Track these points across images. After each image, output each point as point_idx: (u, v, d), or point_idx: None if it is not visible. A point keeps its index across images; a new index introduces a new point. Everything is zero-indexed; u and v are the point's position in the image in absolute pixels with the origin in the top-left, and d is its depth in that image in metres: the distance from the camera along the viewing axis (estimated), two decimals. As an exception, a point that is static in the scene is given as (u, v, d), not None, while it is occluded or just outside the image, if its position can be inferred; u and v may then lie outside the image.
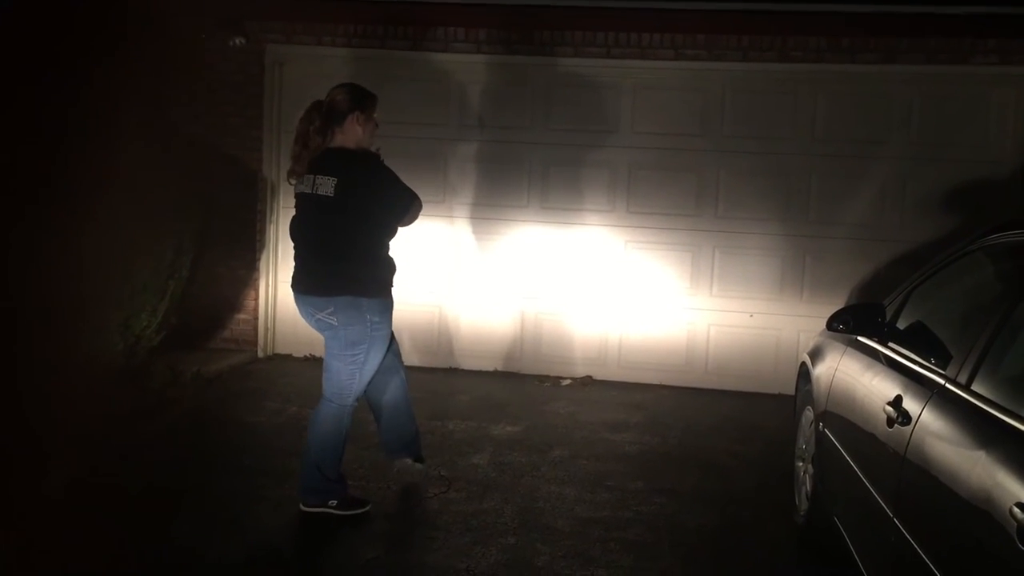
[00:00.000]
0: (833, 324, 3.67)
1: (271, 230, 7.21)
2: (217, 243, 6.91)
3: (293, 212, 4.15)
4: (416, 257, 7.12)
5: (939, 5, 6.08)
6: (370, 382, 4.16)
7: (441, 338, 7.16)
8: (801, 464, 4.27)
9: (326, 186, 3.93)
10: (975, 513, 2.07)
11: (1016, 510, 1.85)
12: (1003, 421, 2.17)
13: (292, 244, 4.15)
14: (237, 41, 6.88)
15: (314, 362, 7.15)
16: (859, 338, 3.62)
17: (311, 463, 4.04)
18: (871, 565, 2.90)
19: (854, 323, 3.59)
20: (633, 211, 6.80)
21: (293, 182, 4.09)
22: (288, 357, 7.27)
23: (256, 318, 7.24)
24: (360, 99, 4.12)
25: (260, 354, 7.22)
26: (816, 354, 4.28)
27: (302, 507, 4.05)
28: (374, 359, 4.07)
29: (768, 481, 4.77)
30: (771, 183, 6.71)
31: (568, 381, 6.86)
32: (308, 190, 3.98)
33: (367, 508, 4.07)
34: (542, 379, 6.87)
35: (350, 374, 4.01)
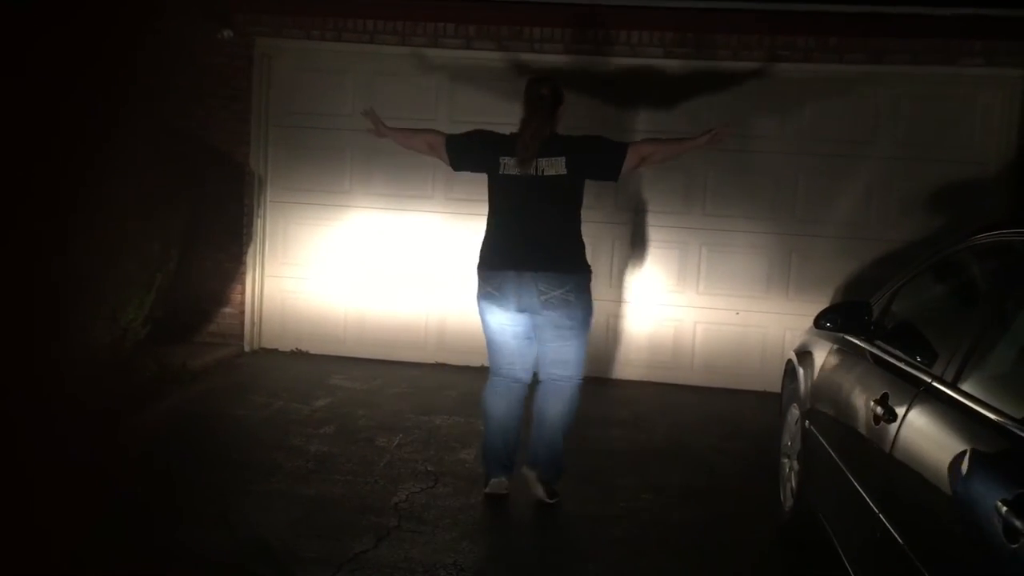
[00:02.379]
0: (820, 322, 3.69)
1: (258, 224, 7.19)
2: (204, 237, 6.89)
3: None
4: (406, 251, 7.13)
5: (927, 6, 6.12)
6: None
7: (428, 333, 7.16)
8: (787, 461, 4.29)
9: (556, 166, 4.09)
10: (960, 510, 2.09)
11: (1001, 506, 1.87)
12: (988, 418, 2.19)
13: (497, 223, 4.22)
14: (225, 34, 6.85)
15: (300, 357, 7.15)
16: (846, 336, 3.64)
17: (554, 449, 4.24)
18: (856, 561, 2.92)
19: (841, 321, 3.61)
20: (621, 208, 6.81)
21: (513, 171, 4.14)
22: (274, 352, 7.25)
23: (243, 312, 7.21)
24: (562, 91, 4.26)
25: (246, 348, 7.20)
26: (802, 352, 4.31)
27: (548, 498, 4.22)
28: None
29: (754, 477, 4.79)
30: (758, 182, 6.74)
31: (555, 377, 6.85)
32: (532, 173, 4.10)
33: None
34: (529, 375, 6.87)
35: (585, 346, 4.23)
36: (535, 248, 4.10)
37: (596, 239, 6.80)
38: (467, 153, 4.31)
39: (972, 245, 3.09)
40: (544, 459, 4.26)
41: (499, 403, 4.31)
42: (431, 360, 7.12)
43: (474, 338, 7.06)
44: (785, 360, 4.78)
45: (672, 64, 6.69)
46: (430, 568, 3.52)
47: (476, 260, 4.26)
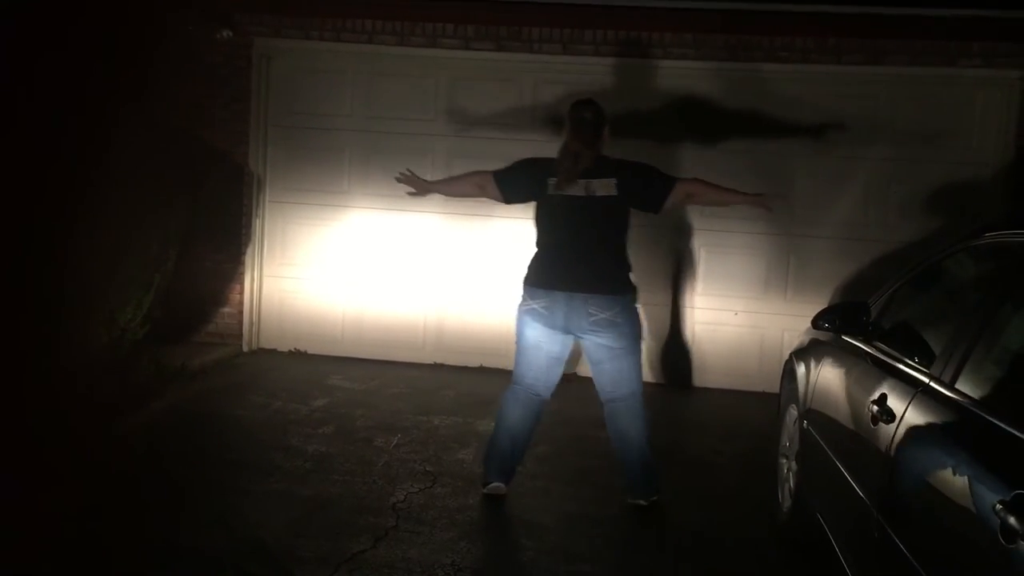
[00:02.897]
0: (819, 323, 3.70)
1: (256, 224, 7.19)
2: (202, 237, 6.89)
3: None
4: (404, 251, 7.13)
5: (925, 7, 6.12)
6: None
7: (427, 333, 7.16)
8: (785, 461, 4.30)
9: (607, 187, 4.13)
10: (958, 511, 2.09)
11: (999, 507, 1.87)
12: (986, 419, 2.19)
13: (547, 242, 4.25)
14: (224, 34, 6.85)
15: (299, 357, 7.15)
16: (844, 337, 3.64)
17: (645, 460, 4.26)
18: (854, 562, 2.92)
19: (839, 322, 3.61)
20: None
21: (561, 191, 4.16)
22: (273, 352, 7.25)
23: (241, 312, 7.21)
24: (605, 114, 4.32)
25: (245, 348, 7.20)
26: (801, 352, 4.31)
27: (641, 501, 4.26)
28: None
29: (752, 478, 4.79)
30: (756, 182, 6.71)
31: (553, 378, 6.85)
32: (580, 193, 4.12)
33: None
34: (527, 375, 6.87)
35: (639, 362, 4.28)
36: (586, 269, 4.13)
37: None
38: (516, 184, 4.32)
39: (970, 246, 3.09)
40: (643, 478, 4.28)
41: (516, 409, 4.32)
42: (429, 360, 7.12)
43: (472, 338, 7.09)
44: (783, 361, 4.78)
45: (670, 64, 6.69)
46: (428, 568, 3.52)
47: (524, 274, 4.28)
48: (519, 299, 4.27)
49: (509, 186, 4.32)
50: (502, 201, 4.41)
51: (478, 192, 4.41)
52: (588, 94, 6.76)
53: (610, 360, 4.20)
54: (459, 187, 4.59)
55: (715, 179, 4.23)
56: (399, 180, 4.48)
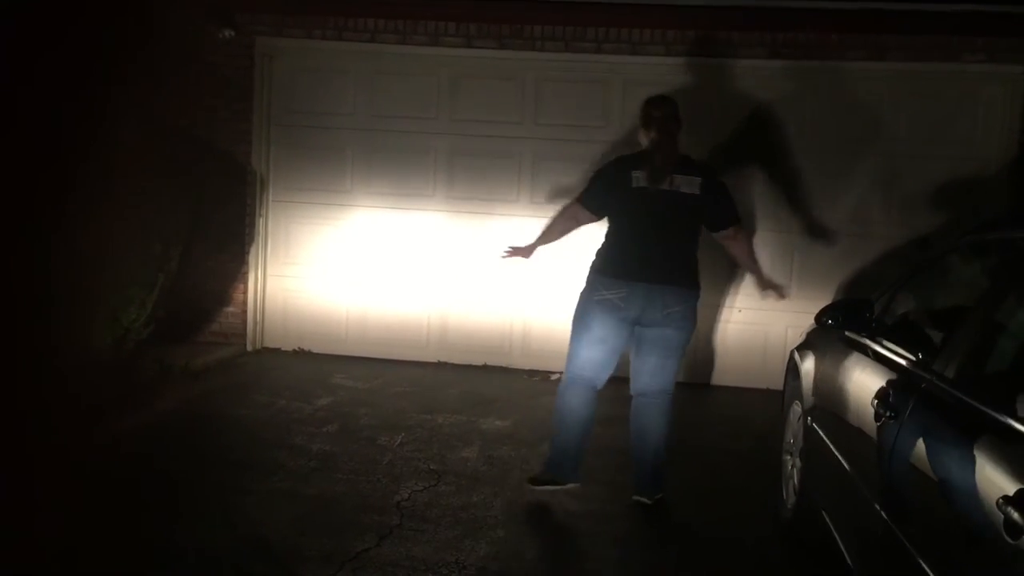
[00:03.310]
0: (822, 319, 3.69)
1: (260, 223, 7.20)
2: (206, 236, 6.89)
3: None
4: (407, 250, 7.13)
5: (928, 3, 6.11)
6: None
7: (430, 332, 7.17)
8: (789, 458, 4.29)
9: (691, 185, 4.15)
10: (962, 507, 2.09)
11: (1003, 503, 1.87)
12: (989, 415, 2.19)
13: (626, 233, 4.22)
14: (226, 33, 6.86)
15: (302, 356, 7.16)
16: (847, 333, 3.64)
17: (659, 459, 4.26)
18: (858, 558, 2.92)
19: (843, 319, 3.61)
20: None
21: (645, 183, 4.15)
22: (277, 351, 7.26)
23: (245, 312, 7.22)
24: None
25: (249, 348, 7.21)
26: (804, 349, 4.30)
27: (645, 499, 4.24)
28: None
29: (756, 475, 4.79)
30: (760, 178, 6.73)
31: (557, 375, 6.83)
32: (665, 187, 4.13)
33: None
34: (531, 373, 6.89)
35: (680, 364, 4.32)
36: (668, 262, 4.14)
37: (596, 238, 6.79)
38: (599, 195, 4.29)
39: (974, 242, 3.09)
40: (651, 477, 4.27)
41: (583, 407, 4.27)
42: (433, 359, 7.12)
43: (475, 337, 7.10)
44: (787, 357, 4.78)
45: (674, 61, 6.68)
46: (432, 566, 3.53)
47: (593, 265, 4.27)
48: (587, 290, 4.23)
49: (595, 203, 4.30)
50: (597, 219, 4.38)
51: (575, 224, 4.42)
52: (589, 92, 6.85)
53: (659, 354, 4.20)
54: (558, 229, 4.51)
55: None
56: (506, 258, 4.59)
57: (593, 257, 4.31)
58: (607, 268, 4.20)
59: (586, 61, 6.76)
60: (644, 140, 4.27)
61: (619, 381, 4.34)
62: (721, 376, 6.82)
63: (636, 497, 4.29)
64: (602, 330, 4.18)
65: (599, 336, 4.19)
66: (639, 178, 4.15)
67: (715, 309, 6.84)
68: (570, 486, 4.30)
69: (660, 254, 4.15)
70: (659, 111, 4.25)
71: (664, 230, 4.17)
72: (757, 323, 6.80)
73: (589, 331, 4.21)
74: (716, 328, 6.87)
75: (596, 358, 4.23)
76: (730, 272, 6.80)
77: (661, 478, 4.30)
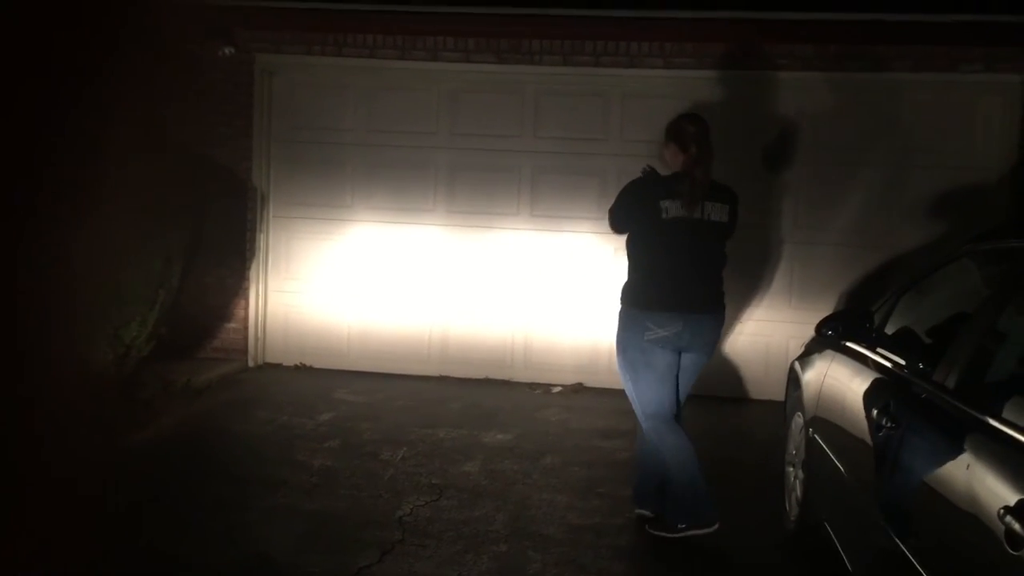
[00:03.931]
0: (822, 330, 3.69)
1: (261, 239, 7.21)
2: (206, 253, 6.91)
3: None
4: (408, 264, 7.14)
5: (926, 13, 6.13)
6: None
7: (432, 346, 7.16)
8: (791, 469, 4.28)
9: (721, 213, 4.10)
10: (963, 517, 2.08)
11: (1004, 514, 1.86)
12: (990, 426, 2.19)
13: (661, 265, 4.06)
14: (226, 50, 6.88)
15: (304, 371, 7.16)
16: (848, 344, 3.64)
17: (698, 486, 4.02)
18: (861, 569, 2.91)
19: (843, 329, 3.61)
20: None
21: (678, 213, 4.02)
22: (278, 366, 7.26)
23: (246, 327, 7.23)
24: None
25: (250, 363, 7.21)
26: (805, 360, 4.30)
27: (648, 512, 4.17)
28: None
29: (758, 486, 4.77)
30: (759, 190, 6.73)
31: (559, 388, 6.86)
32: (698, 216, 4.04)
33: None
34: (533, 386, 6.88)
35: None
36: (707, 290, 4.11)
37: (597, 251, 6.81)
38: (626, 218, 4.17)
39: (973, 252, 3.09)
40: (655, 494, 4.21)
41: (681, 440, 4.05)
42: (434, 373, 7.12)
43: (476, 350, 7.09)
44: (788, 368, 4.77)
45: (671, 74, 6.70)
46: (434, 582, 3.52)
47: (632, 302, 4.08)
48: (634, 330, 4.03)
49: (619, 223, 4.22)
50: (616, 233, 4.35)
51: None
52: (588, 105, 6.87)
53: (690, 379, 4.19)
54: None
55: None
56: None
57: (625, 292, 4.13)
58: (653, 304, 4.02)
59: (584, 74, 6.78)
60: (675, 158, 4.11)
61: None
62: (722, 387, 6.80)
63: (638, 511, 4.23)
64: (663, 366, 4.04)
65: (663, 371, 4.05)
66: (670, 208, 4.00)
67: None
68: (716, 527, 3.99)
69: (699, 283, 4.08)
70: (694, 126, 4.11)
71: (700, 258, 4.09)
72: (759, 334, 6.80)
73: (652, 370, 4.03)
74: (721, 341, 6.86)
75: (665, 393, 4.08)
76: (731, 283, 6.79)
77: (690, 515, 4.05)
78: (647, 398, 4.07)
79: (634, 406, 4.15)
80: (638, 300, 4.05)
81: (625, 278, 4.19)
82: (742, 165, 6.65)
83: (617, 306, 4.18)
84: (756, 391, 6.70)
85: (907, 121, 6.57)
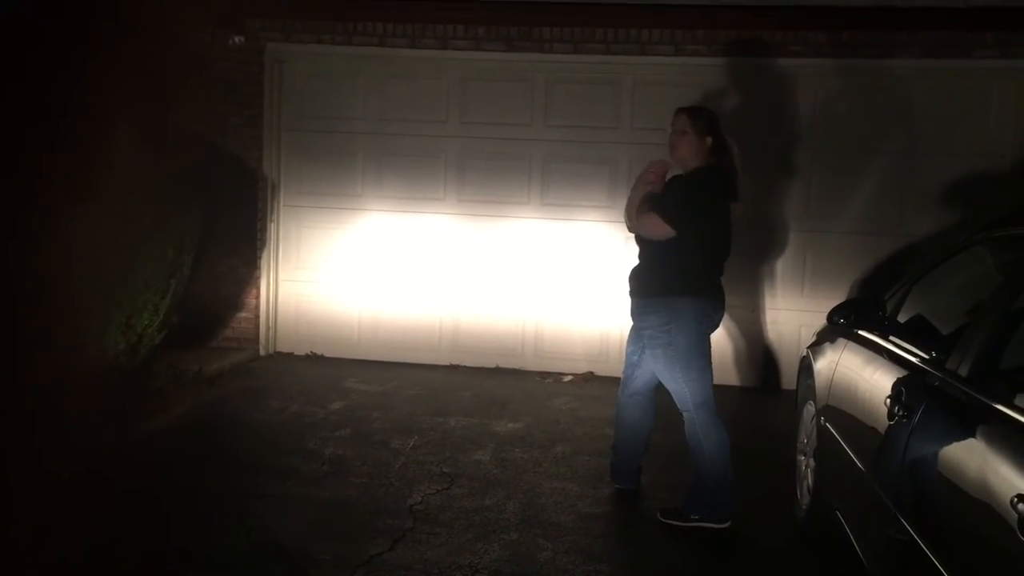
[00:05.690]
0: (834, 318, 3.68)
1: (272, 228, 7.22)
2: (218, 242, 6.92)
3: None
4: (418, 253, 7.14)
5: (939, -1, 6.09)
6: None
7: (442, 335, 7.17)
8: (803, 458, 4.27)
9: (735, 211, 4.27)
10: (976, 505, 2.07)
11: (1017, 502, 1.86)
12: (1003, 413, 2.18)
13: (711, 259, 4.16)
14: (236, 39, 6.89)
15: (315, 360, 7.18)
16: (860, 332, 3.62)
17: (725, 481, 4.07)
18: (873, 558, 2.90)
19: (855, 317, 3.60)
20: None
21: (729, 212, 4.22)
22: (290, 355, 7.28)
23: (258, 316, 7.25)
24: None
25: (262, 352, 7.23)
26: (817, 348, 4.29)
27: (676, 521, 4.10)
28: None
29: (769, 475, 4.77)
30: (771, 177, 6.71)
31: (569, 377, 6.86)
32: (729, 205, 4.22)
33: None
34: (543, 375, 6.88)
35: None
36: (718, 279, 4.23)
37: (608, 239, 6.80)
38: (704, 218, 4.13)
39: (986, 238, 3.07)
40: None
41: (724, 435, 4.10)
42: (445, 362, 7.13)
43: (487, 339, 7.10)
44: (800, 357, 4.76)
45: (682, 61, 6.67)
46: (445, 570, 3.53)
47: (695, 291, 4.04)
48: (697, 318, 4.04)
49: (697, 222, 4.12)
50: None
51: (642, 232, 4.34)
52: (598, 93, 6.84)
53: (702, 367, 4.18)
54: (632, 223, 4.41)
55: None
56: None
57: (676, 279, 4.05)
58: (705, 293, 4.08)
59: (595, 62, 6.76)
60: (702, 151, 4.16)
61: (619, 381, 4.34)
62: (734, 376, 6.80)
63: (701, 523, 4.06)
64: (710, 352, 4.15)
65: (710, 361, 4.15)
66: (733, 210, 4.21)
67: (732, 310, 6.81)
68: (727, 525, 4.04)
69: (719, 273, 4.21)
70: (720, 126, 4.21)
71: (728, 249, 4.25)
72: (771, 322, 6.78)
73: (707, 357, 4.10)
74: (727, 327, 6.85)
75: (711, 380, 4.17)
76: (744, 273, 6.78)
77: (707, 507, 4.08)
78: (703, 386, 4.08)
79: (679, 397, 4.10)
80: (701, 289, 4.08)
81: (660, 269, 4.10)
82: (753, 153, 6.63)
83: (623, 295, 4.23)
84: (767, 379, 6.68)
85: (919, 107, 6.52)
